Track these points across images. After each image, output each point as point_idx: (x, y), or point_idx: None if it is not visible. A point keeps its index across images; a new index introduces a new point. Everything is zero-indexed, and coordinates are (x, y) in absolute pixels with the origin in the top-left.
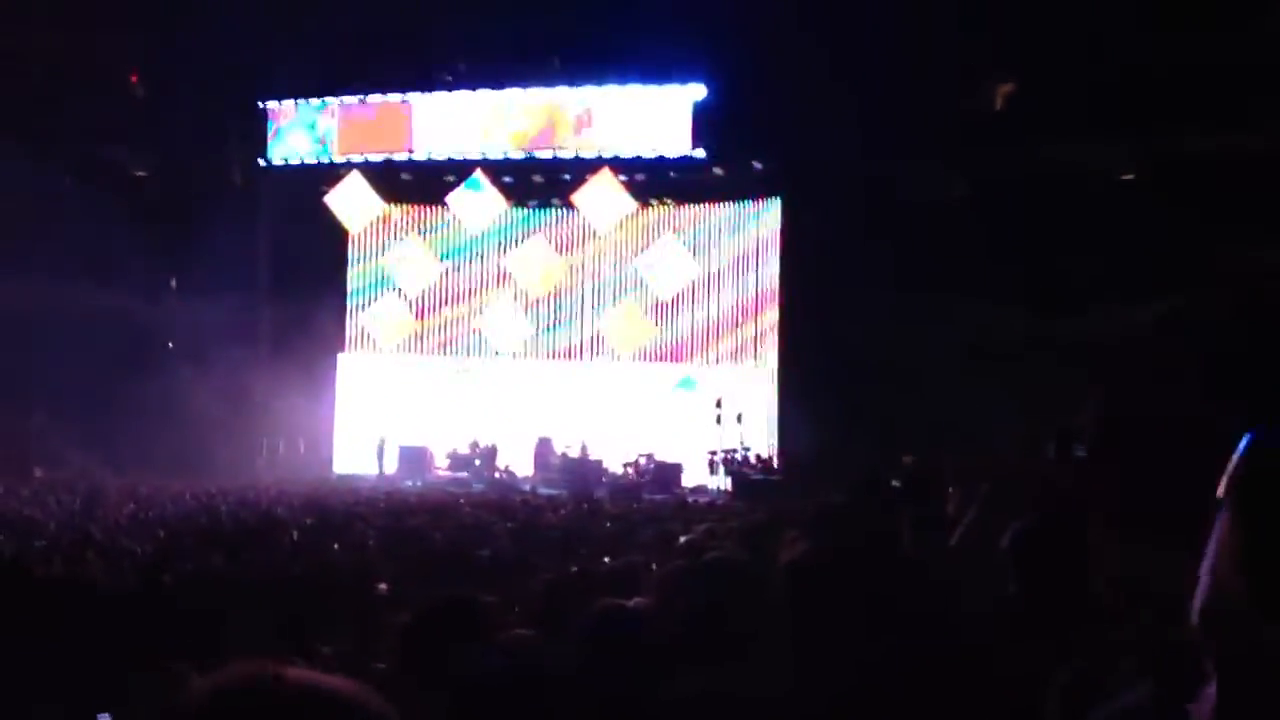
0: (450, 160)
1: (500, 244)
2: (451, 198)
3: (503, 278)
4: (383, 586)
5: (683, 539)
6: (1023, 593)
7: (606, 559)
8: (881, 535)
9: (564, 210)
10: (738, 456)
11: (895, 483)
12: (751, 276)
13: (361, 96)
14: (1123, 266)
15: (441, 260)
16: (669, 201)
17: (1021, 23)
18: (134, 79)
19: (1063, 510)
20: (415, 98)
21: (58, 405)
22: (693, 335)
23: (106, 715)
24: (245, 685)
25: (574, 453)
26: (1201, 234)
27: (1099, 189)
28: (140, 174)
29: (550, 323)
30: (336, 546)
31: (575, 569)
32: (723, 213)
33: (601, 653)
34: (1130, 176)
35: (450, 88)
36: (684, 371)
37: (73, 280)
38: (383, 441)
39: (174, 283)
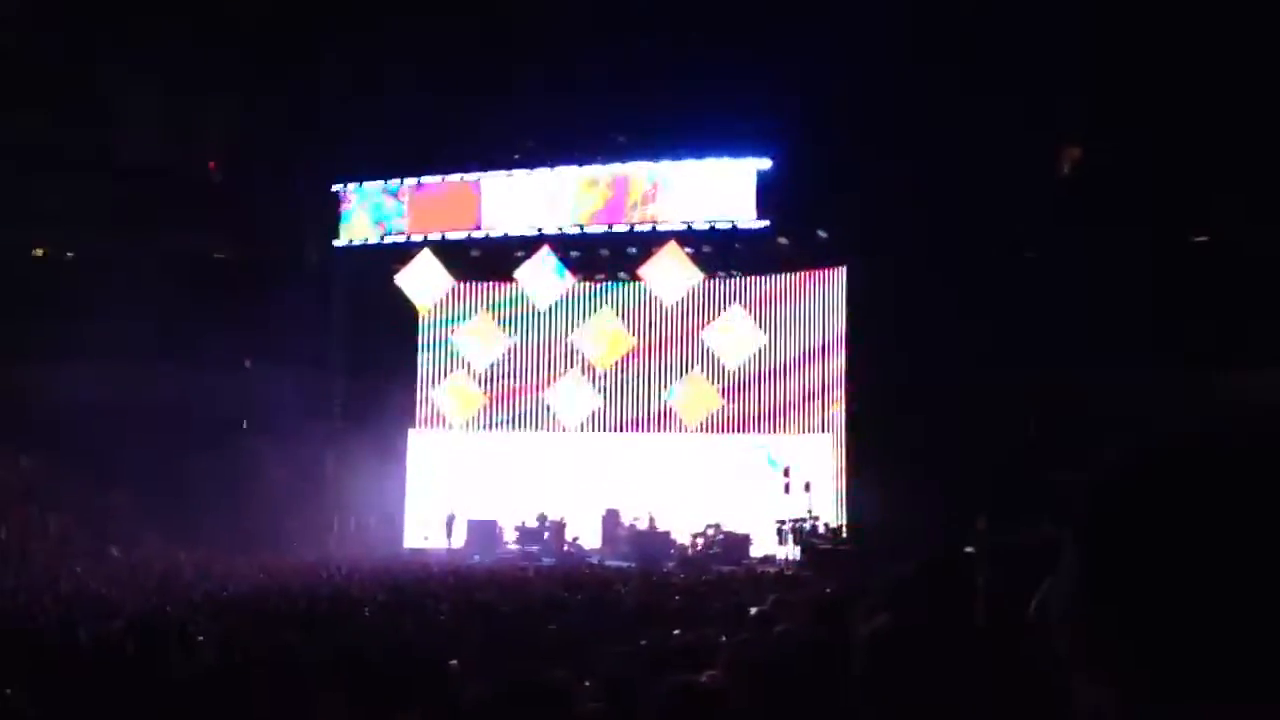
0: (518, 237)
1: (568, 318)
2: (520, 273)
3: (571, 352)
4: (454, 663)
5: (753, 610)
6: None
7: (676, 632)
8: (955, 607)
9: (631, 284)
10: (806, 526)
11: (969, 549)
12: (818, 345)
13: (432, 177)
14: (1199, 330)
15: (510, 336)
16: (735, 272)
17: (1091, 87)
18: (212, 166)
19: None
20: (484, 176)
21: (134, 484)
22: (760, 405)
23: None
24: None
25: (642, 525)
26: None
27: (1165, 253)
28: (218, 256)
29: (618, 395)
30: (409, 623)
31: (645, 643)
32: (789, 282)
33: None
34: (1204, 239)
35: (518, 166)
36: (758, 443)
37: (151, 361)
38: (452, 516)
39: (249, 362)
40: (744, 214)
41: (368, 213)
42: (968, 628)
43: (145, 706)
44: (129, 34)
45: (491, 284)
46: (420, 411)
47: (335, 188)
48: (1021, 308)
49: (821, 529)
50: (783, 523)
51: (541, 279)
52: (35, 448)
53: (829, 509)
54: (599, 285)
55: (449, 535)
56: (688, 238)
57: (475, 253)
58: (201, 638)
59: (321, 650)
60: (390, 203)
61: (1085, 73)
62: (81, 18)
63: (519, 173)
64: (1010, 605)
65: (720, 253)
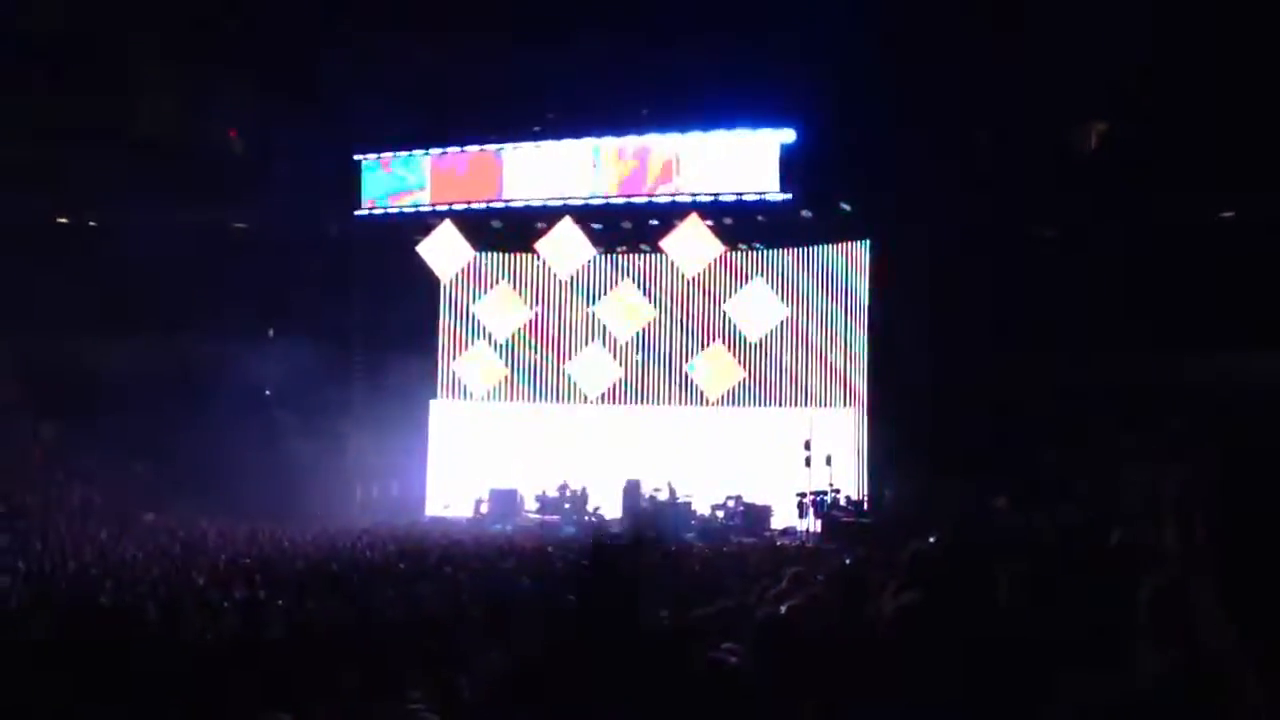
0: (540, 207)
1: (589, 290)
2: (541, 244)
3: (592, 323)
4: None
5: (774, 590)
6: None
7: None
8: (979, 585)
9: (652, 255)
10: (827, 499)
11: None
12: (840, 318)
13: (454, 148)
14: (1227, 312)
15: (531, 307)
16: (757, 245)
17: (1117, 65)
18: (233, 134)
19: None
20: (506, 147)
21: (158, 453)
22: (781, 377)
23: None
24: None
25: (663, 495)
26: None
27: (1197, 231)
28: (239, 226)
29: (639, 367)
30: (427, 591)
31: (665, 614)
32: (811, 255)
33: (701, 703)
34: (1230, 214)
35: (540, 137)
36: (773, 415)
37: (173, 331)
38: (480, 500)
39: (271, 331)
40: (767, 186)
41: (388, 183)
42: (991, 606)
43: (165, 670)
44: (147, 3)
45: (512, 255)
46: (442, 381)
47: (356, 157)
48: (1047, 285)
49: (842, 501)
50: (803, 495)
51: (563, 250)
52: (57, 417)
53: (850, 483)
54: (620, 257)
55: (477, 506)
56: (710, 210)
57: (496, 223)
58: (226, 604)
59: (341, 618)
60: (415, 173)
61: (1116, 48)
62: None
63: (541, 144)
64: (1031, 588)
65: (742, 225)
